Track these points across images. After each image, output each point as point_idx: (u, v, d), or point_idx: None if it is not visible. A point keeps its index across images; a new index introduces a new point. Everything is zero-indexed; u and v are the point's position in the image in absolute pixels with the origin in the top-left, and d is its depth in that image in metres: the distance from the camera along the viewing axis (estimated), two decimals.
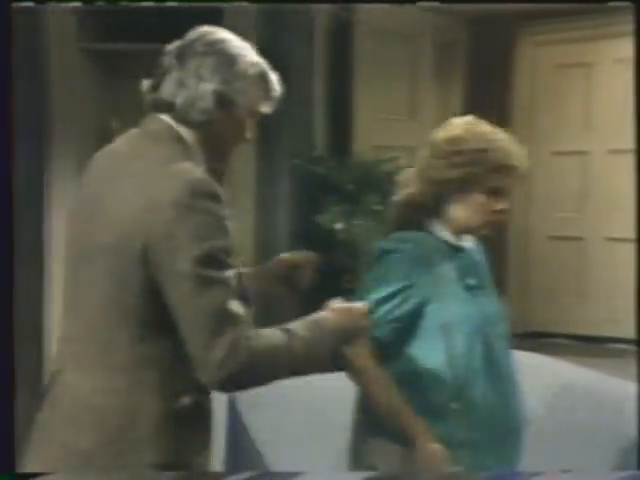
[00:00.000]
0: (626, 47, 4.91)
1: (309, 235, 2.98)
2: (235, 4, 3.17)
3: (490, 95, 4.91)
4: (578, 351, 4.32)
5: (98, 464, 1.30)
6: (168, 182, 1.28)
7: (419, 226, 1.71)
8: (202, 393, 1.36)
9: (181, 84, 1.36)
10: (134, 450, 1.31)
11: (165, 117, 1.38)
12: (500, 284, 5.70)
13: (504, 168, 1.66)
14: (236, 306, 1.28)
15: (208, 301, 1.26)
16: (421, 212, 1.71)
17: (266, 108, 1.44)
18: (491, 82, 4.91)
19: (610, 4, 3.21)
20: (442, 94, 4.66)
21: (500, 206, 1.69)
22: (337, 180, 3.16)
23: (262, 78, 1.41)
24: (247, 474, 1.62)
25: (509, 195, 1.71)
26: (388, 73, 3.91)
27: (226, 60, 1.38)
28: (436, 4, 3.85)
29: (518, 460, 1.68)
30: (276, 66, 1.47)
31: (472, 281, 1.69)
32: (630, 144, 4.92)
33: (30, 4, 2.09)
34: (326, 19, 3.67)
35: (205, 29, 1.41)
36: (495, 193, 1.68)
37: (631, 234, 4.97)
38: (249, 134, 1.44)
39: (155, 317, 1.30)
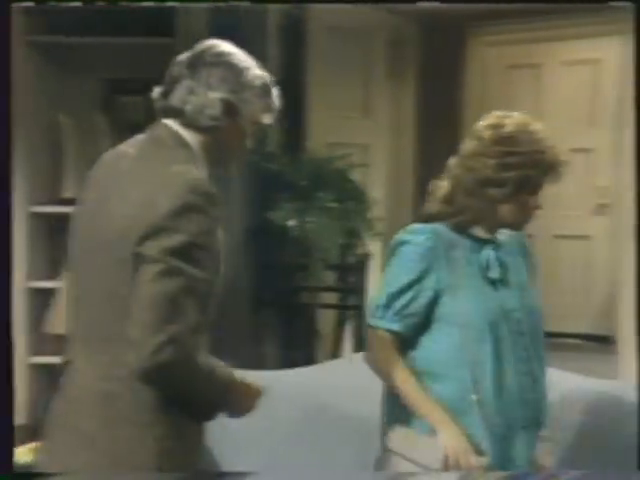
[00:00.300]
0: (574, 49, 5.04)
1: (262, 232, 2.96)
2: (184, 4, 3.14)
3: (442, 94, 4.96)
4: None
5: (100, 447, 1.38)
6: (167, 181, 1.38)
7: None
8: None
9: (191, 92, 1.46)
10: (134, 435, 1.38)
11: (171, 123, 1.47)
12: None
13: (556, 168, 1.68)
14: (193, 305, 1.34)
15: (167, 289, 1.32)
16: (451, 205, 1.71)
17: (267, 119, 1.54)
18: (443, 81, 4.95)
19: (610, 4, 3.26)
20: (395, 92, 4.69)
21: (539, 202, 1.70)
22: (290, 177, 3.15)
23: (266, 90, 1.52)
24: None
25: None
26: (341, 71, 3.92)
27: (234, 71, 1.47)
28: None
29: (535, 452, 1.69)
30: None
31: (495, 274, 1.67)
32: (582, 144, 5.07)
33: (30, 4, 2.12)
34: (279, 17, 3.66)
35: (212, 42, 1.51)
36: (539, 191, 1.69)
37: (576, 231, 5.12)
38: (250, 142, 1.54)
39: None
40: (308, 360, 2.68)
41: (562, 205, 5.11)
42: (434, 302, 1.65)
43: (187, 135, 1.46)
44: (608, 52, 4.84)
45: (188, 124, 1.46)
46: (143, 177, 1.41)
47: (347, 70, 4.00)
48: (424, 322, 1.65)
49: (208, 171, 1.47)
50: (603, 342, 4.61)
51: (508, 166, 1.65)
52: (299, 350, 3.11)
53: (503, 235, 1.74)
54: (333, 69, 3.83)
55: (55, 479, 1.42)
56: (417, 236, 1.68)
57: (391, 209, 4.53)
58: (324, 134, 3.69)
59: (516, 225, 1.71)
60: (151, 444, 1.38)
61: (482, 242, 1.70)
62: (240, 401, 1.48)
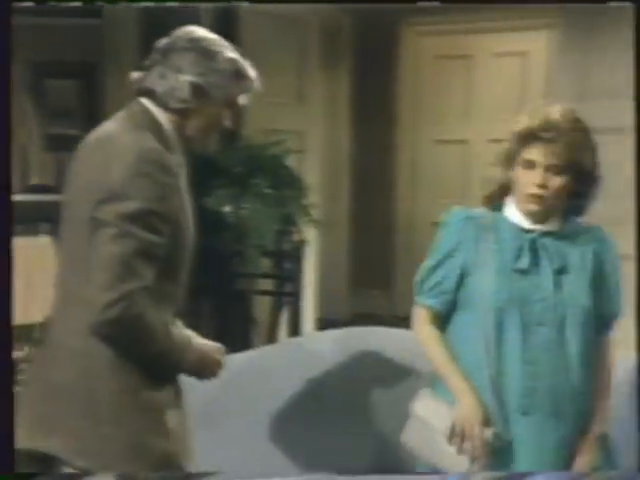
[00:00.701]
0: (504, 42, 5.15)
1: (197, 218, 2.93)
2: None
3: (376, 82, 5.01)
4: None
5: (67, 397, 1.49)
6: (123, 148, 1.49)
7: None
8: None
9: (162, 76, 1.56)
10: (96, 387, 1.48)
11: (146, 101, 1.57)
12: (387, 271, 5.81)
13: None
14: (146, 268, 1.45)
15: (120, 250, 1.43)
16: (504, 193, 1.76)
17: (242, 101, 1.62)
18: (377, 69, 5.00)
19: (610, 4, 3.32)
20: (330, 79, 4.71)
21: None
22: (225, 163, 3.13)
23: (237, 73, 1.59)
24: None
25: None
26: (276, 57, 3.91)
27: (205, 55, 1.56)
28: None
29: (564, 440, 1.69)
30: None
31: (523, 265, 1.69)
32: (508, 134, 5.18)
33: (30, 4, 2.12)
34: (212, 3, 3.62)
35: (190, 28, 1.60)
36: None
37: None
38: (227, 123, 1.62)
39: None
40: (244, 346, 2.67)
41: None
42: (461, 281, 1.74)
43: (159, 114, 1.56)
44: (536, 45, 4.96)
45: (160, 105, 1.56)
46: (104, 146, 1.52)
47: (282, 57, 4.00)
48: (456, 299, 1.76)
49: (181, 148, 1.58)
50: None
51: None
52: (235, 337, 3.09)
53: (572, 226, 1.74)
54: (267, 56, 3.82)
55: (55, 478, 1.52)
56: (451, 218, 1.79)
57: (327, 195, 4.56)
58: (259, 121, 3.68)
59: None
60: (109, 397, 1.48)
61: (523, 231, 1.72)
62: (200, 364, 1.58)
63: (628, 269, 2.82)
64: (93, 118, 3.19)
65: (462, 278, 1.74)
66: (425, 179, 5.36)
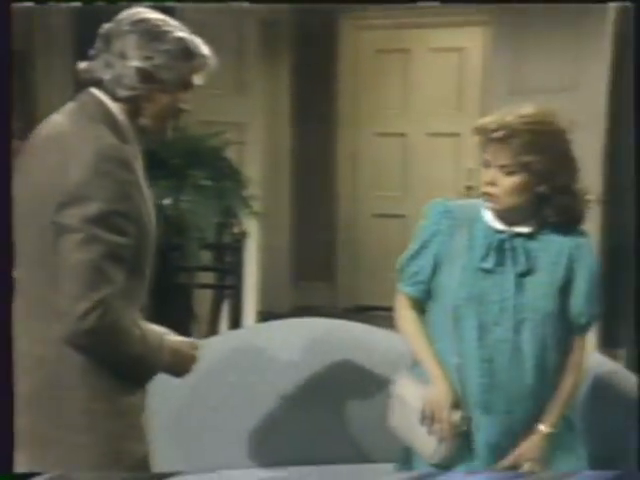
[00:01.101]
0: (440, 37, 5.22)
1: None
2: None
3: (315, 75, 5.01)
4: None
5: (35, 407, 1.43)
6: (78, 148, 1.41)
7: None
8: None
9: (108, 64, 1.47)
10: (67, 396, 1.43)
11: (96, 91, 1.49)
12: (329, 263, 5.82)
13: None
14: (117, 271, 1.39)
15: (89, 256, 1.37)
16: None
17: (197, 80, 1.53)
18: (316, 62, 5.01)
19: (610, 4, 3.35)
20: (270, 71, 4.69)
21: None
22: (163, 155, 3.07)
23: (186, 53, 1.49)
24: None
25: None
26: (214, 47, 3.86)
27: (148, 38, 1.47)
28: None
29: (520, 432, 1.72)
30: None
31: (488, 265, 1.71)
32: (450, 128, 5.28)
33: (30, 4, 2.03)
34: None
35: (133, 10, 1.51)
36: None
37: None
38: (184, 105, 1.53)
39: None
40: None
41: (433, 187, 5.30)
42: (434, 270, 1.78)
43: (110, 104, 1.47)
44: (472, 41, 5.05)
45: (109, 94, 1.48)
46: (58, 144, 1.44)
47: (220, 47, 3.94)
48: (430, 289, 1.80)
49: (136, 137, 1.49)
50: None
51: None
52: (175, 330, 3.05)
53: (548, 229, 1.74)
54: (206, 45, 3.77)
55: (55, 478, 1.46)
56: (431, 209, 1.81)
57: (267, 188, 4.54)
58: (198, 112, 3.62)
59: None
60: (79, 405, 1.42)
61: (495, 231, 1.74)
62: (174, 362, 1.52)
63: None
64: (24, 108, 3.09)
65: (435, 269, 1.78)
66: (365, 172, 5.39)
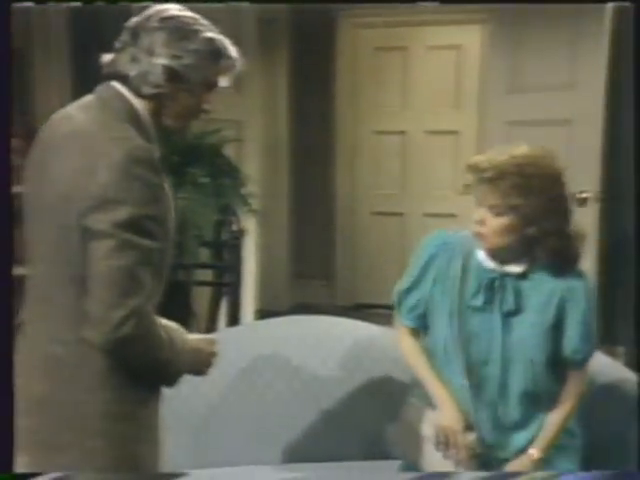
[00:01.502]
0: (438, 35, 5.22)
1: None
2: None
3: (314, 72, 5.01)
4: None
5: (49, 409, 1.40)
6: (107, 147, 1.36)
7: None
8: None
9: (134, 59, 1.44)
10: (81, 399, 1.40)
11: (119, 86, 1.45)
12: (327, 261, 5.81)
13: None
14: (148, 276, 1.36)
15: (122, 263, 1.33)
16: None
17: (223, 82, 1.51)
18: (314, 60, 5.00)
19: (610, 4, 3.35)
20: (268, 69, 4.69)
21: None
22: (162, 152, 3.07)
23: (215, 54, 1.47)
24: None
25: None
26: None
27: (178, 36, 1.43)
28: None
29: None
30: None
31: (477, 303, 1.74)
32: (449, 126, 5.28)
33: (30, 4, 2.04)
34: None
35: (161, 6, 1.48)
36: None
37: (444, 210, 5.33)
38: (207, 106, 1.51)
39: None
40: None
41: (431, 185, 5.31)
42: (429, 300, 1.81)
43: (133, 99, 1.44)
44: (470, 39, 5.05)
45: (134, 90, 1.44)
46: (83, 143, 1.39)
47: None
48: (428, 314, 1.83)
49: (157, 135, 1.46)
50: None
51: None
52: None
53: (541, 270, 1.74)
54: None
55: (54, 478, 1.44)
56: (428, 241, 1.84)
57: (265, 185, 4.54)
58: None
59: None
60: (97, 408, 1.40)
61: (487, 269, 1.75)
62: (196, 361, 1.51)
63: None
64: (21, 107, 3.10)
65: (430, 298, 1.81)
66: (364, 170, 5.40)
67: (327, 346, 2.25)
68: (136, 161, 1.35)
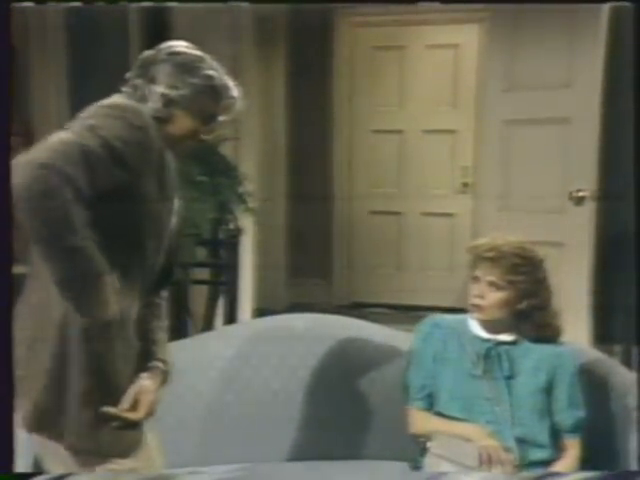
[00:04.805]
0: (435, 35, 5.23)
1: None
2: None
3: (311, 71, 5.01)
4: (396, 319, 4.54)
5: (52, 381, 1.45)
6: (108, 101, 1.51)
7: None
8: (123, 306, 1.47)
9: (136, 87, 1.57)
10: (70, 364, 1.45)
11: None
12: (325, 260, 5.80)
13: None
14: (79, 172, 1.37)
15: (73, 138, 1.38)
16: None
17: (223, 117, 1.62)
18: (312, 59, 5.00)
19: (608, 4, 3.35)
20: (265, 67, 4.68)
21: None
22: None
23: (213, 90, 1.58)
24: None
25: None
26: (209, 44, 3.85)
27: (180, 69, 1.56)
28: None
29: None
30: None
31: (478, 372, 1.95)
32: (446, 125, 5.29)
33: (30, 4, 2.06)
34: None
35: (172, 42, 1.60)
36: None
37: (443, 209, 5.34)
38: (204, 136, 1.61)
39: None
40: (179, 336, 2.63)
41: (429, 184, 5.31)
42: (435, 376, 1.99)
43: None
44: (468, 38, 5.06)
45: None
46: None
47: (215, 44, 3.95)
48: (435, 392, 2.00)
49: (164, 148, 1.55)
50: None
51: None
52: (170, 327, 3.05)
53: (529, 340, 1.97)
54: (200, 43, 3.76)
55: (54, 478, 1.48)
56: (423, 326, 2.05)
57: (262, 184, 4.54)
58: None
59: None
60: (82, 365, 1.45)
61: (481, 340, 1.97)
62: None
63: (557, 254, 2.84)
64: (19, 107, 3.09)
65: (436, 375, 1.99)
66: (361, 169, 5.40)
67: (326, 345, 2.26)
68: (125, 109, 1.48)
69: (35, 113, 3.13)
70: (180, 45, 1.60)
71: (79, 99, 1.64)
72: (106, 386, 1.49)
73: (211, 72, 1.58)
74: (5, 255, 1.56)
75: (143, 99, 1.55)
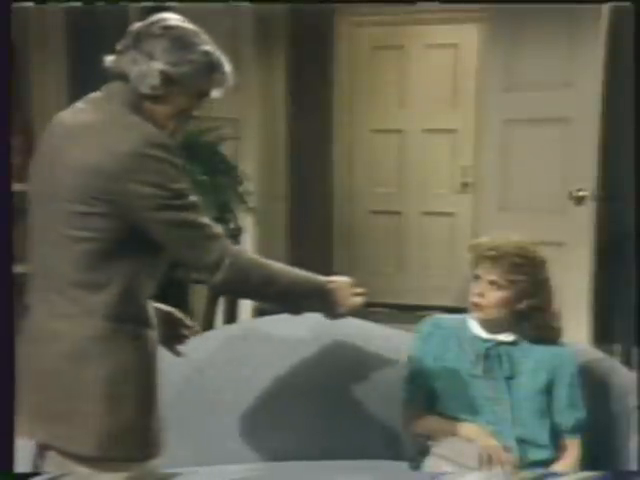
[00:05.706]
0: (435, 34, 5.23)
1: None
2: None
3: (312, 70, 5.01)
4: (396, 319, 4.54)
5: (60, 383, 1.48)
6: (123, 133, 1.48)
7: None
8: (143, 321, 1.55)
9: (135, 61, 1.54)
10: (84, 369, 1.47)
11: (123, 84, 1.56)
12: (325, 259, 5.80)
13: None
14: (215, 225, 1.56)
15: (187, 233, 1.52)
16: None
17: (216, 93, 1.62)
18: (313, 58, 5.00)
19: (608, 4, 3.35)
20: (265, 67, 4.68)
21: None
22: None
23: (210, 66, 1.58)
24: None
25: None
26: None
27: (178, 44, 1.54)
28: None
29: None
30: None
31: (478, 371, 1.95)
32: (446, 124, 5.29)
33: (30, 4, 2.07)
34: None
35: (165, 15, 1.58)
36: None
37: (443, 208, 5.34)
38: (195, 112, 1.62)
39: (106, 249, 1.48)
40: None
41: (429, 184, 5.32)
42: (435, 375, 1.99)
43: (134, 97, 1.55)
44: (467, 37, 5.06)
45: (133, 90, 1.55)
46: (98, 128, 1.50)
47: (216, 43, 3.95)
48: (435, 388, 2.00)
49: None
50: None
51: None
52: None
53: (529, 340, 1.97)
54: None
55: (54, 478, 1.49)
56: (422, 327, 2.06)
57: (263, 183, 4.54)
58: None
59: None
60: (99, 376, 1.47)
61: (481, 340, 1.98)
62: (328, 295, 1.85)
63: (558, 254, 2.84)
64: (19, 106, 3.09)
65: (435, 374, 2.00)
66: (361, 168, 5.40)
67: (326, 344, 2.26)
68: (152, 145, 1.46)
69: (35, 113, 3.13)
70: (173, 18, 1.58)
71: (79, 99, 1.63)
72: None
73: (207, 47, 1.58)
74: (5, 254, 1.57)
75: (143, 75, 1.53)
